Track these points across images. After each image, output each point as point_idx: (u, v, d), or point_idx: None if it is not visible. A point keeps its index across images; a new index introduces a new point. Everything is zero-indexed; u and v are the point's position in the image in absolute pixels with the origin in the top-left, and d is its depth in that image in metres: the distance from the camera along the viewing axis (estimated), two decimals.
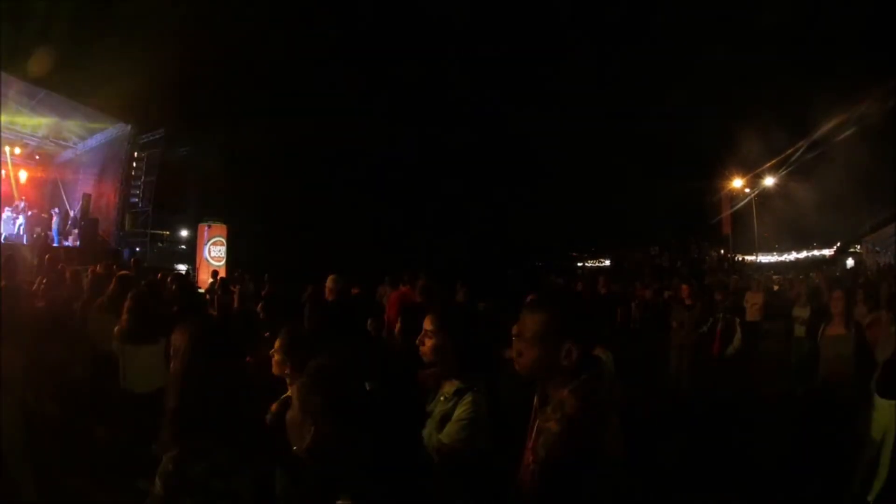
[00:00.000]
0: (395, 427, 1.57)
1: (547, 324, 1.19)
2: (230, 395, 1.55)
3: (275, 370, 2.00)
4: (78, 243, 13.24)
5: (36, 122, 14.34)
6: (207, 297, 8.22)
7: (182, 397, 1.56)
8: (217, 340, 1.75)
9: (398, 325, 2.77)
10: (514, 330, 2.92)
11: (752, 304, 7.58)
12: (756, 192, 24.24)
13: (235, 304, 7.12)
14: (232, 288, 7.89)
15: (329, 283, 4.31)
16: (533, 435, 1.19)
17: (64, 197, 15.34)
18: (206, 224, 14.98)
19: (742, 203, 24.92)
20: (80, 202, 13.97)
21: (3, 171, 13.31)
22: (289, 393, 1.90)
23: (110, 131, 14.58)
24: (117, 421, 3.19)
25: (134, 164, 15.01)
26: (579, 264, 30.27)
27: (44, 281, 5.25)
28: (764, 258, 26.22)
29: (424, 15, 24.16)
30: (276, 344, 2.01)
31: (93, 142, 15.09)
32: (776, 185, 23.28)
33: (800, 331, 5.80)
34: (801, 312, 6.08)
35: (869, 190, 18.39)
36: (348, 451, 1.31)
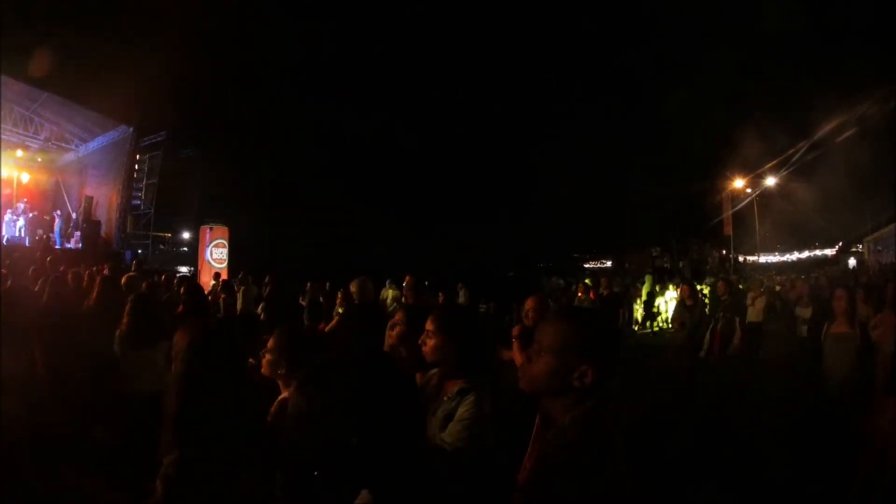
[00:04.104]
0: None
1: (570, 337, 1.10)
2: (230, 397, 1.54)
3: (265, 371, 1.90)
4: (80, 245, 13.28)
5: (38, 125, 14.41)
6: (210, 298, 8.23)
7: (182, 400, 1.54)
8: (217, 342, 1.73)
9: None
10: (515, 331, 2.90)
11: (755, 304, 7.55)
12: (757, 193, 24.20)
13: (239, 306, 7.12)
14: (236, 289, 7.90)
15: (354, 286, 4.14)
16: (532, 456, 1.14)
17: (66, 199, 15.39)
18: (207, 226, 14.97)
19: (743, 203, 24.89)
20: (82, 204, 14.03)
21: (4, 173, 13.35)
22: (284, 394, 1.84)
23: (112, 134, 14.63)
24: (118, 424, 3.19)
25: (136, 167, 15.07)
26: (582, 265, 30.23)
27: (46, 283, 5.25)
28: (766, 258, 26.17)
29: (430, 16, 24.23)
30: (270, 344, 1.93)
31: (95, 144, 15.15)
32: (777, 185, 23.26)
33: (802, 331, 5.80)
34: (803, 313, 6.10)
35: (870, 190, 18.39)
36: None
